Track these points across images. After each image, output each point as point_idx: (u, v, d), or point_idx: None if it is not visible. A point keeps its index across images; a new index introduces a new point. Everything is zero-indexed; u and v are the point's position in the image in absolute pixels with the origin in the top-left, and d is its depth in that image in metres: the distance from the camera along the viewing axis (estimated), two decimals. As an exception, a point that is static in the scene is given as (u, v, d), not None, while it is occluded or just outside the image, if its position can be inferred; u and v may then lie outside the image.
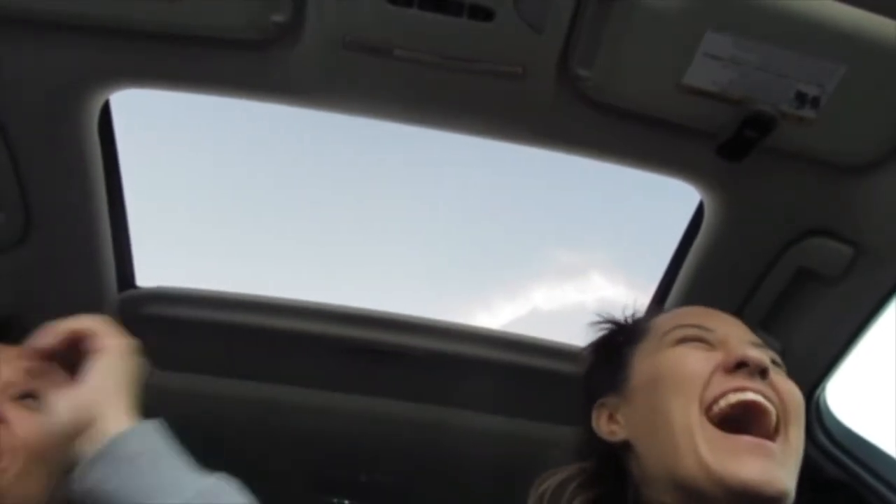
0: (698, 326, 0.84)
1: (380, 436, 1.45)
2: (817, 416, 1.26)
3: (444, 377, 1.37)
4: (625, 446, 0.82)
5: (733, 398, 0.76)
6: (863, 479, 1.16)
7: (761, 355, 0.77)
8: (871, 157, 0.96)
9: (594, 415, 0.86)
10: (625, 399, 0.84)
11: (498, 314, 2.22)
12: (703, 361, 0.79)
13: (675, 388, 0.78)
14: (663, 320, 0.88)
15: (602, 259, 2.19)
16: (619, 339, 0.90)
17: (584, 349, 0.94)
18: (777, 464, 0.74)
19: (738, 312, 1.20)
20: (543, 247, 2.14)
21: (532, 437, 1.39)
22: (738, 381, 0.76)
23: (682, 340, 0.82)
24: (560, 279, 2.24)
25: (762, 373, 0.77)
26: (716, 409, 0.76)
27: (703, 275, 1.18)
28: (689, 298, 1.21)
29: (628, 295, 2.12)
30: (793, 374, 1.18)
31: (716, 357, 0.79)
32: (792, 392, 0.80)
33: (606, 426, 0.84)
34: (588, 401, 0.88)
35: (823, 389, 1.23)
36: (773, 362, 0.82)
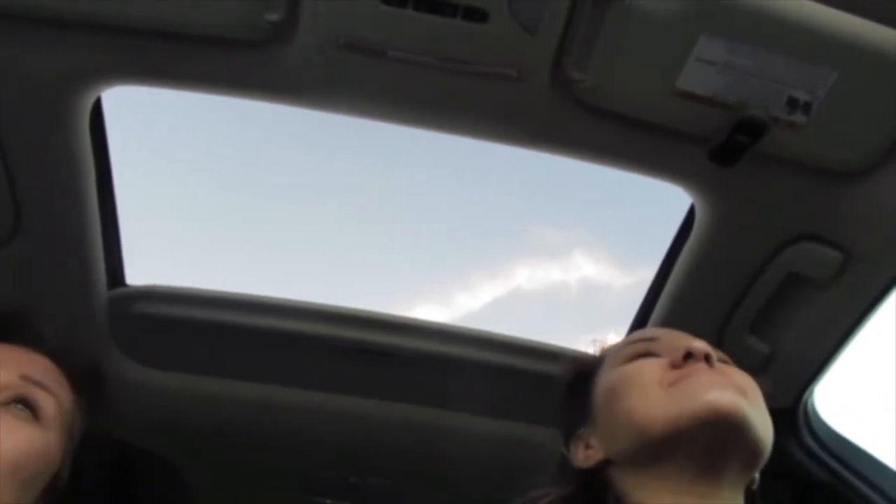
0: (644, 340, 0.89)
1: (371, 437, 1.44)
2: (805, 419, 1.27)
3: (437, 379, 1.37)
4: (603, 464, 0.83)
5: None
6: (850, 482, 1.17)
7: (704, 344, 0.81)
8: (862, 163, 0.97)
9: (571, 448, 0.88)
10: (594, 424, 0.86)
11: (478, 294, 2.22)
12: (653, 365, 0.83)
13: (631, 388, 0.81)
14: (615, 345, 0.93)
15: (586, 238, 2.18)
16: (583, 375, 0.93)
17: (578, 353, 0.97)
18: (747, 401, 0.76)
19: (728, 316, 1.22)
20: (526, 225, 2.13)
21: (526, 440, 1.38)
22: (687, 368, 0.79)
23: (632, 357, 0.86)
24: (543, 258, 2.23)
25: (707, 358, 0.80)
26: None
27: (693, 278, 1.18)
28: (680, 301, 1.22)
29: (611, 275, 2.13)
30: (782, 377, 1.20)
31: (664, 360, 0.83)
32: (742, 374, 0.82)
33: (583, 454, 0.86)
34: (566, 438, 0.90)
35: (812, 393, 1.24)
36: (721, 361, 0.85)
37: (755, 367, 1.19)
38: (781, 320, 1.18)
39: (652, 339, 0.89)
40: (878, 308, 1.07)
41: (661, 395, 0.78)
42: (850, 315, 1.09)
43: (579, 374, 0.94)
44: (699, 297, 1.20)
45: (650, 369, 0.82)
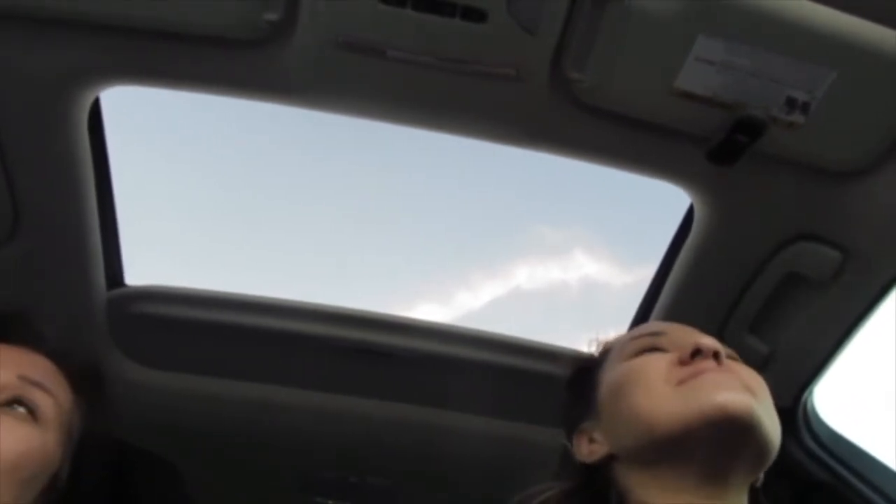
0: (651, 334, 0.87)
1: (371, 437, 1.44)
2: (805, 419, 1.26)
3: (437, 379, 1.37)
4: (608, 460, 0.82)
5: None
6: (849, 482, 1.17)
7: (713, 341, 0.79)
8: (861, 163, 0.97)
9: (574, 443, 0.87)
10: (598, 418, 0.85)
11: (478, 293, 2.22)
12: (659, 361, 0.81)
13: (637, 384, 0.80)
14: (620, 339, 0.92)
15: (586, 237, 2.19)
16: (587, 370, 0.92)
17: (577, 353, 0.96)
18: (756, 400, 0.75)
19: (727, 316, 1.22)
20: (526, 224, 2.13)
21: (526, 440, 1.39)
22: (695, 366, 0.78)
23: (638, 352, 0.85)
24: (543, 258, 2.24)
25: (716, 356, 0.78)
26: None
27: (692, 278, 1.18)
28: (679, 301, 1.22)
29: (611, 274, 2.13)
30: (781, 376, 1.20)
31: (671, 356, 0.81)
32: (750, 371, 0.81)
33: (587, 448, 0.85)
34: (569, 434, 0.89)
35: (811, 393, 1.24)
36: (730, 357, 0.84)
37: (755, 366, 1.19)
38: (781, 320, 1.18)
39: (658, 334, 0.87)
40: (878, 308, 1.07)
41: (668, 393, 0.76)
42: (850, 315, 1.09)
43: (583, 367, 0.93)
44: (698, 296, 1.20)
45: (656, 366, 0.80)
